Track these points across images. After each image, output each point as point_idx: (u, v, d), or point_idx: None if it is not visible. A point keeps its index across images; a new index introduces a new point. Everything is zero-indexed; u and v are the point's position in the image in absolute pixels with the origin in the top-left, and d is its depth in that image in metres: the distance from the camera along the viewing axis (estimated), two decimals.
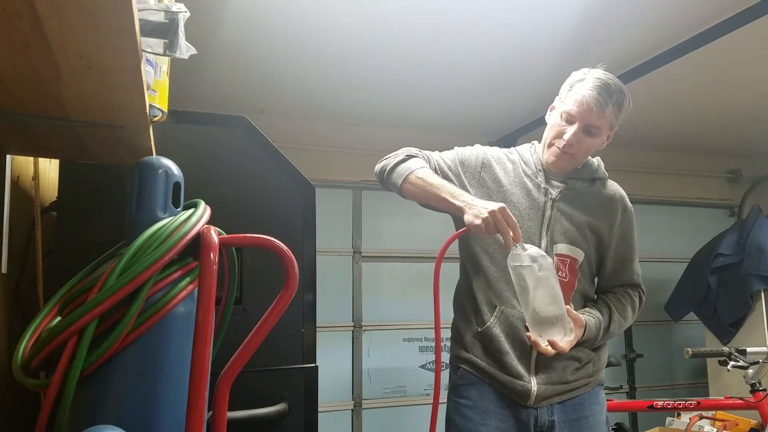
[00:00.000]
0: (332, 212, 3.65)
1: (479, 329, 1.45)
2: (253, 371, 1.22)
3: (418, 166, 1.47)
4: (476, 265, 1.49)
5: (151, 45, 0.80)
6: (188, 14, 0.80)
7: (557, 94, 1.51)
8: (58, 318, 0.85)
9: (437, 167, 1.53)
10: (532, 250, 1.30)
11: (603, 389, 1.53)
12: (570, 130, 1.40)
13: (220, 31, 2.46)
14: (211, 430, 0.81)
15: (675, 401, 2.66)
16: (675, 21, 2.41)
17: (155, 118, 0.97)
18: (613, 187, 1.56)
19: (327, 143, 3.67)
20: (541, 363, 1.40)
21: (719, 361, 2.62)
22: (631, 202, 1.60)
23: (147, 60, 0.88)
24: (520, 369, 1.40)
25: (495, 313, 1.43)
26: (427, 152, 1.57)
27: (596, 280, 1.56)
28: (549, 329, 1.31)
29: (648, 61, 2.73)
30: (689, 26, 2.45)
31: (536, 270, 1.27)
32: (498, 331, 1.42)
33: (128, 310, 0.74)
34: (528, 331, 1.34)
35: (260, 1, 2.23)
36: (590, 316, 1.41)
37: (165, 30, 0.78)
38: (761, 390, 2.56)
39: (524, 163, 1.52)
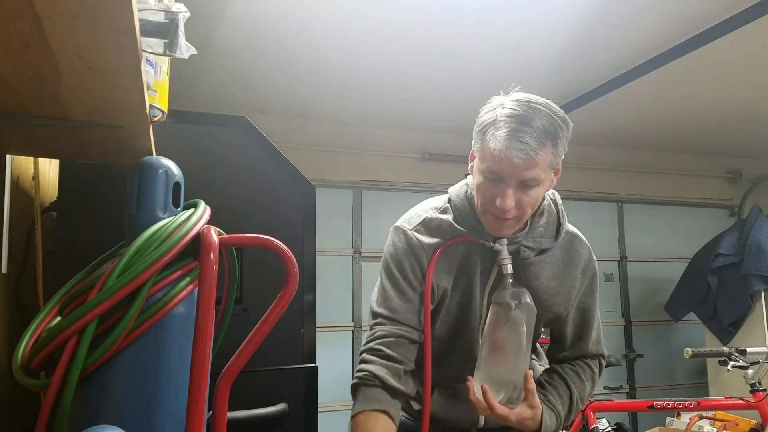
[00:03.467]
0: (332, 212, 3.65)
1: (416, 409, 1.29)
2: (253, 371, 1.22)
3: (362, 408, 1.14)
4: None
5: (151, 45, 0.80)
6: (188, 14, 0.80)
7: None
8: (58, 318, 0.85)
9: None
10: (520, 291, 1.16)
11: None
12: (501, 193, 1.09)
13: (220, 31, 2.46)
14: (211, 430, 0.81)
15: (675, 401, 2.66)
16: (675, 21, 2.41)
17: (155, 118, 0.97)
18: (574, 244, 1.27)
19: (327, 143, 3.67)
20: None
21: (719, 361, 2.63)
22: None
23: (147, 60, 0.88)
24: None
25: (433, 389, 1.28)
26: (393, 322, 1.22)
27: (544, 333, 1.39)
28: (493, 382, 1.14)
29: (648, 61, 2.74)
30: (689, 26, 2.45)
31: (513, 312, 1.14)
32: (438, 407, 1.29)
33: (128, 310, 0.74)
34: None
35: (260, 2, 2.23)
36: (550, 410, 1.21)
37: (165, 30, 0.78)
38: (761, 390, 2.57)
39: (462, 227, 1.21)
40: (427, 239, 1.22)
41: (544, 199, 1.23)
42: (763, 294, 3.44)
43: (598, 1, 2.27)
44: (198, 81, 2.97)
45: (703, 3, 2.27)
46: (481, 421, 1.28)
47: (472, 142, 1.15)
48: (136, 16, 0.60)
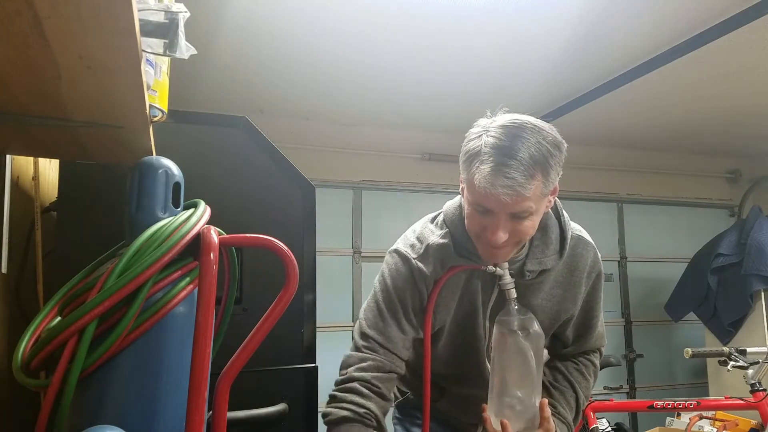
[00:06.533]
0: (332, 212, 3.65)
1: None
2: (253, 371, 1.22)
3: None
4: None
5: (151, 45, 0.80)
6: (188, 14, 0.80)
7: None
8: (58, 318, 0.85)
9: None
10: (526, 318, 1.14)
11: None
12: (491, 225, 1.04)
13: (220, 31, 2.46)
14: (211, 430, 0.81)
15: (675, 401, 2.66)
16: (675, 21, 2.41)
17: (155, 118, 0.97)
18: (579, 250, 1.22)
19: (327, 143, 3.67)
20: None
21: (719, 361, 2.63)
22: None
23: (147, 60, 0.88)
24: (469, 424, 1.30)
25: (443, 393, 1.30)
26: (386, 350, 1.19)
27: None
28: (509, 411, 1.13)
29: (648, 61, 2.74)
30: (689, 26, 2.45)
31: (520, 340, 1.11)
32: (446, 408, 1.31)
33: (128, 310, 0.74)
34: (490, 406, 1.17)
35: (260, 2, 2.23)
36: (561, 422, 1.21)
37: (165, 30, 0.78)
38: (761, 390, 2.57)
39: (460, 255, 1.17)
40: (429, 269, 1.17)
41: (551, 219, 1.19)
42: (763, 294, 3.44)
43: (598, 2, 2.27)
44: (198, 81, 2.97)
45: (702, 4, 2.27)
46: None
47: (460, 169, 1.08)
48: (136, 16, 0.60)
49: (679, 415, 3.01)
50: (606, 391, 3.74)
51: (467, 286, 1.19)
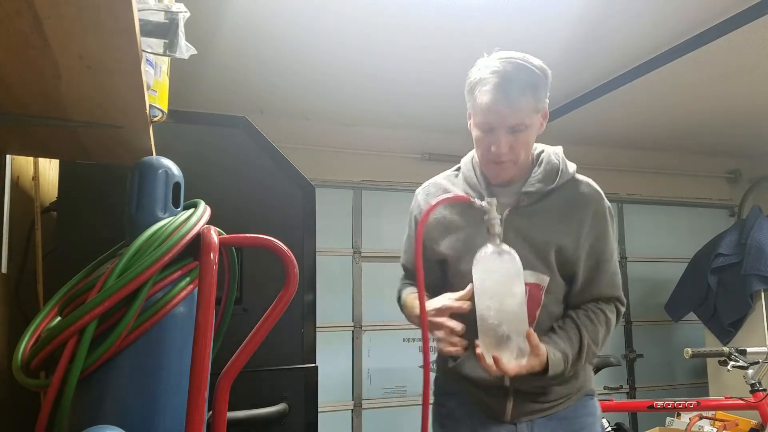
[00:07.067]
0: (332, 212, 3.65)
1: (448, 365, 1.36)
2: (253, 371, 1.22)
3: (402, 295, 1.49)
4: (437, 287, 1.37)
5: (151, 45, 0.80)
6: (188, 14, 0.80)
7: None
8: (58, 318, 0.85)
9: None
10: (502, 250, 1.18)
11: (594, 399, 1.40)
12: (495, 140, 1.24)
13: (220, 31, 2.46)
14: (211, 430, 0.81)
15: (675, 401, 2.66)
16: (675, 21, 2.41)
17: (155, 118, 0.97)
18: (581, 188, 1.37)
19: (327, 143, 3.67)
20: (517, 381, 1.27)
21: (719, 361, 2.62)
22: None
23: (147, 60, 0.88)
24: (495, 386, 1.31)
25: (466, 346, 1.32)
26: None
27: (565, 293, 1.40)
28: (497, 344, 1.17)
29: (648, 61, 2.73)
30: (689, 26, 2.45)
31: (497, 274, 1.16)
32: (470, 368, 1.32)
33: (128, 310, 0.74)
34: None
35: (260, 2, 2.23)
36: (555, 349, 1.24)
37: (165, 30, 0.78)
38: (761, 390, 2.56)
39: (467, 183, 1.37)
40: (431, 195, 1.41)
41: (543, 151, 1.36)
42: (763, 294, 3.43)
43: (598, 2, 2.27)
44: (198, 81, 2.97)
45: (702, 4, 2.27)
46: (506, 381, 1.30)
47: (466, 101, 1.30)
48: (136, 16, 0.60)
49: (679, 415, 3.01)
50: (606, 391, 3.74)
51: (466, 226, 1.33)
